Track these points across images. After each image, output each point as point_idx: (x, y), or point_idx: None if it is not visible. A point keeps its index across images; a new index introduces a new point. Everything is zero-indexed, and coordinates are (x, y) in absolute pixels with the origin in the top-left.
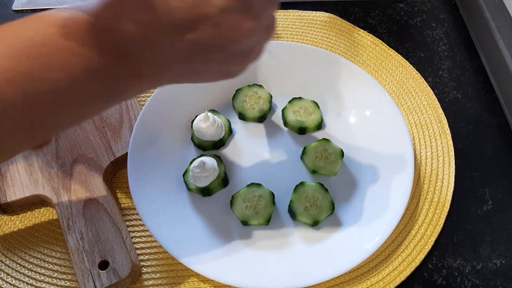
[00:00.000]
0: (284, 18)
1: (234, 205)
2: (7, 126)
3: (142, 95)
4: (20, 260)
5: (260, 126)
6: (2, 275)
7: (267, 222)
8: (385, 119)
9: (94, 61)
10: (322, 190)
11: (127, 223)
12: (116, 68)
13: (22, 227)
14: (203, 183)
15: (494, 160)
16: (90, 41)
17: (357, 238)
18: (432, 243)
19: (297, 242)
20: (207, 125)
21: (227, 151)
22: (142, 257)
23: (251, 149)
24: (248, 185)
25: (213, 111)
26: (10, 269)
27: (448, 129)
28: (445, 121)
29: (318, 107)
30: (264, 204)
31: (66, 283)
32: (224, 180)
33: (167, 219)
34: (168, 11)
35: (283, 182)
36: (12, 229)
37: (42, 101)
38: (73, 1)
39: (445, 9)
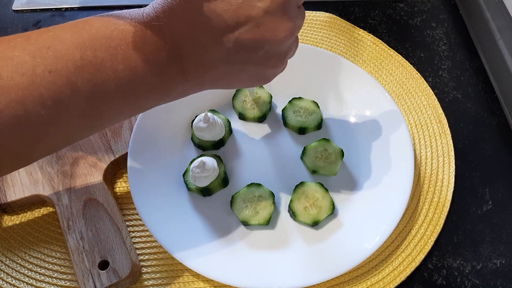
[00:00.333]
0: None
1: (234, 205)
2: (73, 112)
3: None
4: (20, 260)
5: (260, 126)
6: (2, 275)
7: (267, 222)
8: (385, 119)
9: (150, 57)
10: (322, 190)
11: (127, 223)
12: (167, 64)
13: (22, 227)
14: (203, 183)
15: (494, 160)
16: (147, 38)
17: (357, 238)
18: (432, 243)
19: (297, 242)
20: (207, 125)
21: (227, 151)
22: (142, 257)
23: (251, 149)
24: (248, 185)
25: (213, 111)
26: (10, 269)
27: (448, 129)
28: (445, 121)
29: (318, 107)
30: (264, 204)
31: (66, 283)
32: (224, 180)
33: (167, 219)
34: (214, 13)
35: (283, 182)
36: (12, 229)
37: (105, 90)
38: (72, 1)
39: (445, 9)
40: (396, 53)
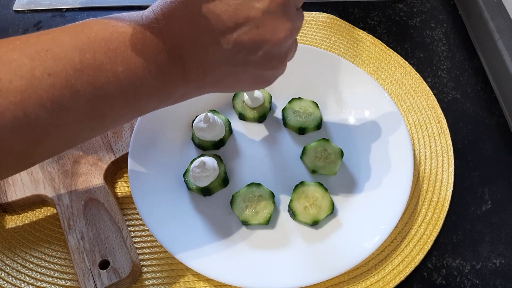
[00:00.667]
0: None
1: (234, 204)
2: (73, 115)
3: None
4: (20, 260)
5: (260, 126)
6: (3, 274)
7: (267, 222)
8: (385, 119)
9: (150, 59)
10: (322, 190)
11: (128, 222)
12: (167, 66)
13: (23, 227)
14: (203, 183)
15: (493, 160)
16: (146, 41)
17: (356, 237)
18: (431, 243)
19: (296, 241)
20: (207, 125)
21: (227, 151)
22: (142, 256)
23: (251, 149)
24: (248, 185)
25: (213, 111)
26: (11, 269)
27: (447, 129)
28: (444, 121)
29: (318, 107)
30: (264, 204)
31: (66, 283)
32: (224, 180)
33: (168, 218)
34: (213, 14)
35: (283, 182)
36: (13, 228)
37: (105, 92)
38: (73, 2)
39: (444, 10)
40: (396, 53)
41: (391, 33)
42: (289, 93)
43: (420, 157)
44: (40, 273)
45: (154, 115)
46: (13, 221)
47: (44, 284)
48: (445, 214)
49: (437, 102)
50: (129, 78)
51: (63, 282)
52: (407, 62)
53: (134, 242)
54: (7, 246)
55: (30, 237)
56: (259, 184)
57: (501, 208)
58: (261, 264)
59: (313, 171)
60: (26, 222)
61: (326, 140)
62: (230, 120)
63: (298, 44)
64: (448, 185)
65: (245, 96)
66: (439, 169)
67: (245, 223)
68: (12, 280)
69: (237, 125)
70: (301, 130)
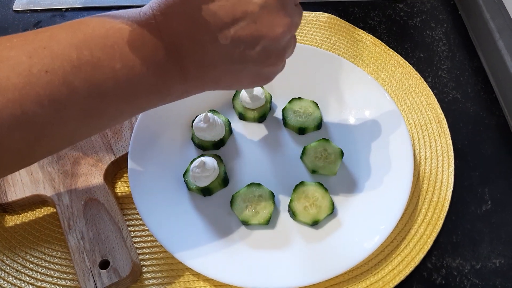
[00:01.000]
0: None
1: (234, 205)
2: (72, 112)
3: None
4: (21, 260)
5: (260, 126)
6: (3, 274)
7: (267, 222)
8: (385, 119)
9: (148, 55)
10: (322, 190)
11: (128, 222)
12: (166, 63)
13: (23, 227)
14: (203, 183)
15: (493, 160)
16: (144, 37)
17: (356, 237)
18: (431, 243)
19: (296, 241)
20: (207, 125)
21: (227, 151)
22: (142, 256)
23: (251, 149)
24: (248, 185)
25: (213, 111)
26: (11, 269)
27: (448, 129)
28: (444, 121)
29: (318, 107)
30: (264, 204)
31: (66, 283)
32: (224, 180)
33: (168, 218)
34: (211, 10)
35: (283, 182)
36: (13, 228)
37: (103, 89)
38: (73, 2)
39: (444, 10)
40: (396, 53)
41: (391, 33)
42: (289, 93)
43: (420, 157)
44: (40, 273)
45: (154, 115)
46: (13, 221)
47: (44, 284)
48: (445, 214)
49: (437, 102)
50: (127, 75)
51: (63, 282)
52: (407, 62)
53: (134, 242)
54: (7, 246)
55: (30, 237)
56: (259, 184)
57: (501, 208)
58: (261, 264)
59: (313, 171)
60: (26, 222)
61: (326, 140)
62: (230, 120)
63: (298, 44)
64: (448, 185)
65: (243, 95)
66: (439, 169)
67: (245, 223)
68: (12, 280)
69: (237, 125)
70: (301, 130)
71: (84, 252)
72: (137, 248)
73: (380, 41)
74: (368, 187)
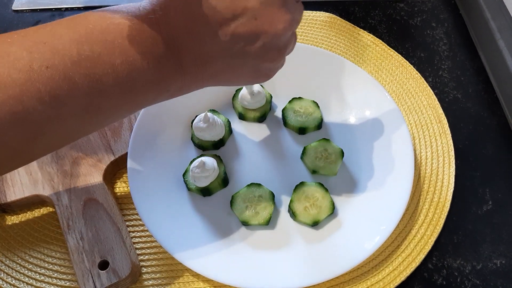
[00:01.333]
0: None
1: (234, 205)
2: (72, 108)
3: None
4: (20, 260)
5: (260, 126)
6: (2, 275)
7: (267, 222)
8: (385, 119)
9: (147, 50)
10: (322, 190)
11: (127, 223)
12: (165, 58)
13: (22, 227)
14: (203, 183)
15: (494, 160)
16: (144, 32)
17: (357, 238)
18: (432, 243)
19: (297, 242)
20: (207, 125)
21: (227, 151)
22: (142, 257)
23: (251, 149)
24: (248, 185)
25: (213, 111)
26: (10, 269)
27: (448, 129)
28: (445, 121)
29: (318, 107)
30: (264, 204)
31: (66, 283)
32: (224, 180)
33: (167, 219)
34: (211, 5)
35: (283, 182)
36: (12, 229)
37: (103, 85)
38: (72, 1)
39: (445, 9)
40: (396, 53)
41: (392, 33)
42: (290, 92)
43: (421, 157)
44: (39, 273)
45: (153, 115)
46: (12, 222)
47: (44, 285)
48: (446, 214)
49: (438, 102)
50: (127, 70)
51: (63, 283)
52: (408, 62)
53: (134, 243)
54: (6, 246)
55: (29, 237)
56: (259, 185)
57: (502, 208)
58: (261, 265)
59: (314, 171)
60: (25, 222)
61: (326, 140)
62: (230, 120)
63: (298, 44)
64: (449, 185)
65: (242, 93)
66: (440, 169)
67: (245, 224)
68: (12, 281)
69: (237, 125)
70: (302, 130)
71: (83, 253)
72: (136, 248)
73: (380, 40)
74: (369, 187)
